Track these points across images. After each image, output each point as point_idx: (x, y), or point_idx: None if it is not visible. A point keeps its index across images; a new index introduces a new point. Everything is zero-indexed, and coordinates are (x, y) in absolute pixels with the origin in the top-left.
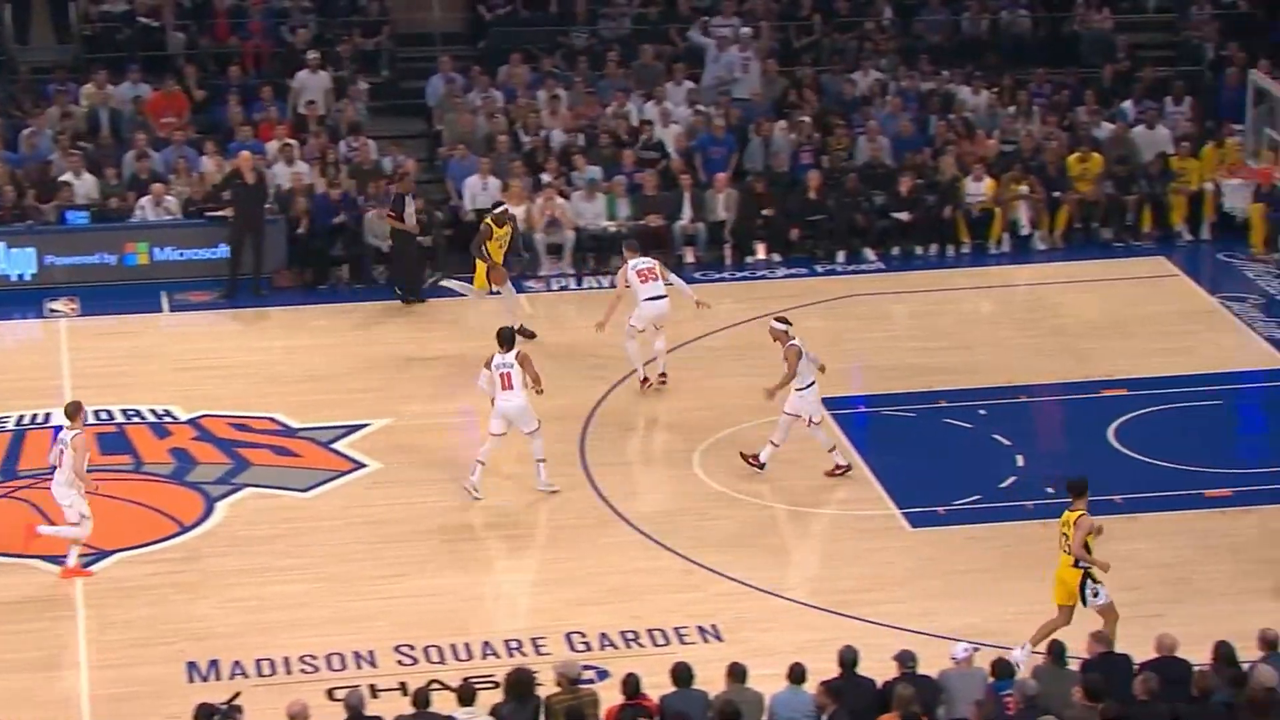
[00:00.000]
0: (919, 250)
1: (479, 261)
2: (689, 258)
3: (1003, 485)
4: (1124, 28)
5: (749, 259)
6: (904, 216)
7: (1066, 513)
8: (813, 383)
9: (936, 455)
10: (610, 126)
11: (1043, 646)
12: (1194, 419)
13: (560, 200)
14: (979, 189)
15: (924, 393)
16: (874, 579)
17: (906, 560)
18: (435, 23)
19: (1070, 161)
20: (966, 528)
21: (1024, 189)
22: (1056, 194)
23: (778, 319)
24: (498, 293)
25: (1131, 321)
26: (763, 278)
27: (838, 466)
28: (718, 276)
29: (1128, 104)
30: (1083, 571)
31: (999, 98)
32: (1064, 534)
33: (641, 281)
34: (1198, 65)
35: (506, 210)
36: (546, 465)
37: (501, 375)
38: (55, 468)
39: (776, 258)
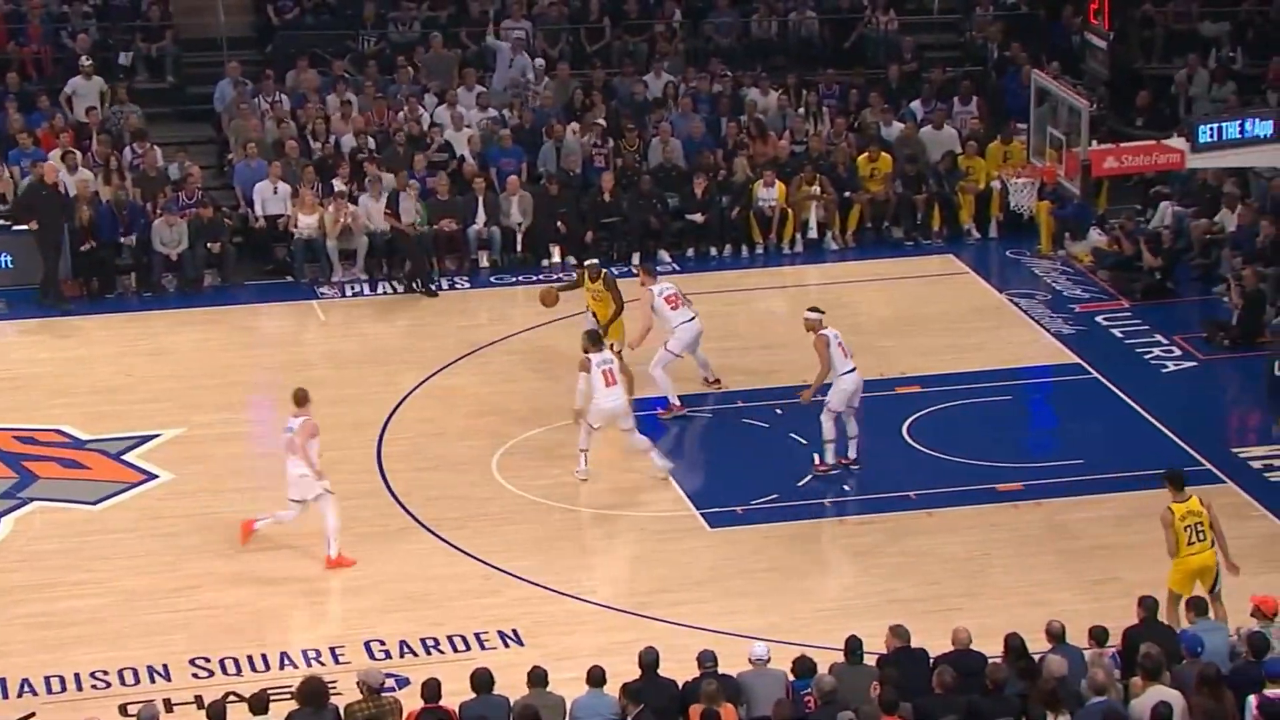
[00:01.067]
0: (713, 251)
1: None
2: (483, 262)
3: (800, 484)
4: (910, 29)
5: (544, 262)
6: (698, 218)
7: (1176, 504)
8: (850, 370)
9: (734, 455)
10: (402, 131)
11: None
12: (985, 414)
13: (352, 206)
14: (770, 194)
15: (721, 393)
16: (674, 580)
17: (706, 560)
18: (221, 27)
19: (860, 161)
20: (765, 527)
21: (815, 190)
22: (847, 194)
23: (810, 309)
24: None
25: (923, 319)
26: (558, 281)
27: (830, 461)
28: (513, 280)
29: (916, 104)
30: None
31: (787, 99)
32: (1190, 525)
33: (672, 308)
34: (982, 65)
35: (597, 265)
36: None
37: (605, 372)
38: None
39: (572, 260)
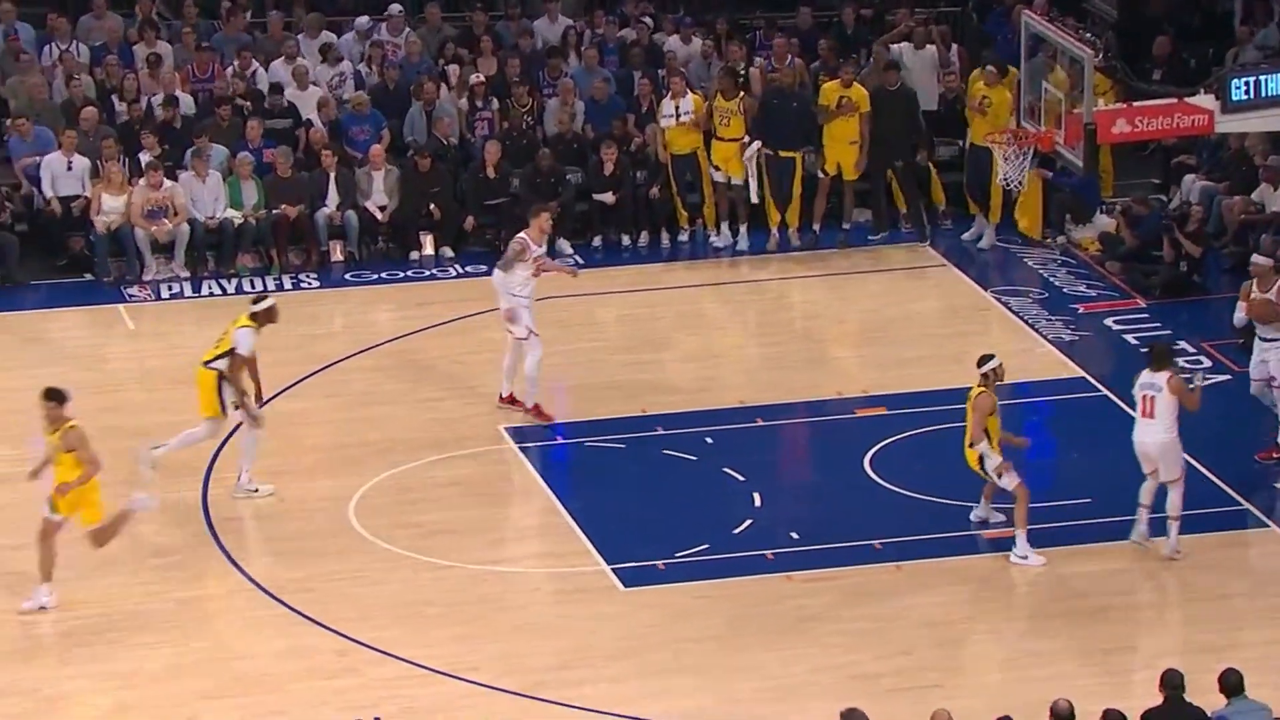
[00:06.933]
0: (626, 240)
1: None
2: (337, 255)
3: (737, 531)
4: None
5: (413, 255)
6: (607, 198)
7: None
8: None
9: (654, 496)
10: (229, 91)
11: None
12: None
13: (169, 184)
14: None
15: (637, 418)
16: (578, 653)
17: (619, 629)
18: None
19: (827, 89)
20: (693, 585)
21: (754, 146)
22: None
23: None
24: None
25: (890, 324)
26: (431, 278)
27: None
28: (374, 278)
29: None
30: None
31: (715, 48)
32: None
33: None
34: (960, 6)
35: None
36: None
37: (1144, 399)
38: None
39: (448, 253)
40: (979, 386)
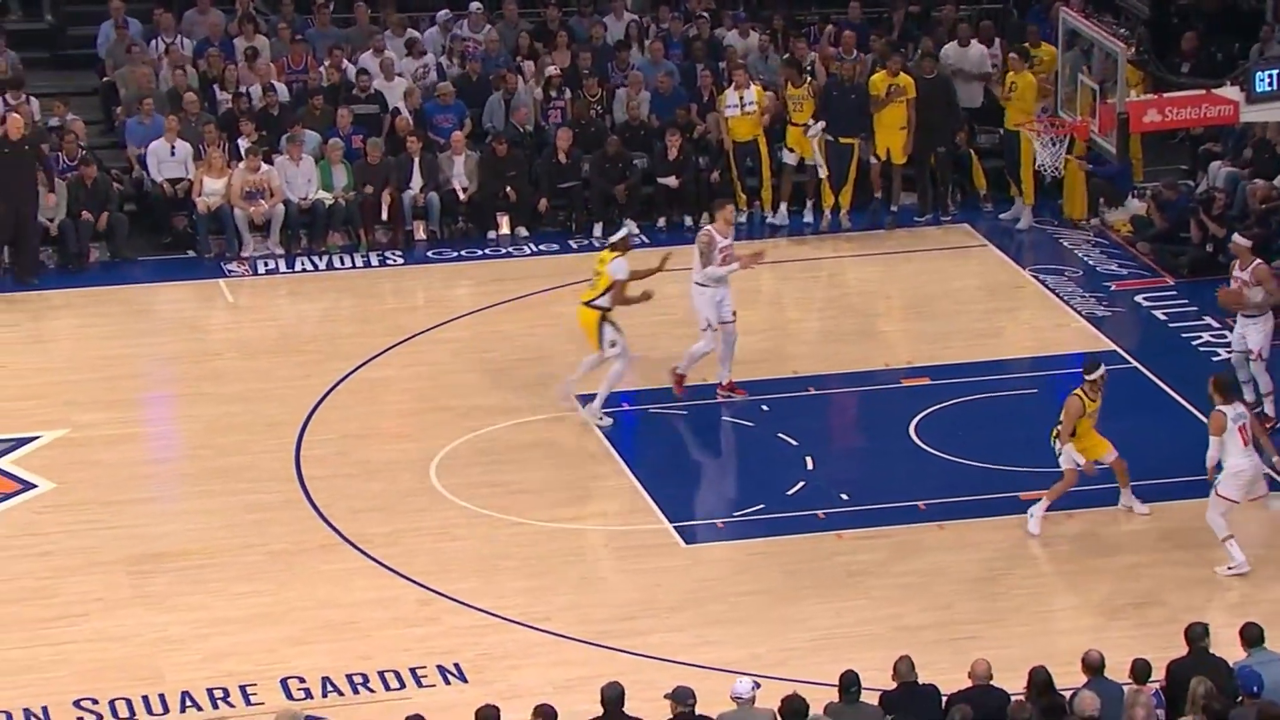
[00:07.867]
0: (688, 221)
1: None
2: (420, 234)
3: (790, 492)
4: None
5: (490, 234)
6: (671, 182)
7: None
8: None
9: (713, 459)
10: (322, 81)
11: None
12: (1006, 411)
13: (266, 167)
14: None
15: (698, 386)
16: (642, 605)
17: (680, 582)
18: None
19: (876, 80)
20: (749, 543)
21: (817, 126)
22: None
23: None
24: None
25: (934, 300)
26: (507, 256)
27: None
28: (454, 255)
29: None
30: None
31: (772, 42)
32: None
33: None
34: (1002, 2)
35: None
36: None
37: (1240, 429)
38: None
39: (523, 232)
40: (1078, 390)
